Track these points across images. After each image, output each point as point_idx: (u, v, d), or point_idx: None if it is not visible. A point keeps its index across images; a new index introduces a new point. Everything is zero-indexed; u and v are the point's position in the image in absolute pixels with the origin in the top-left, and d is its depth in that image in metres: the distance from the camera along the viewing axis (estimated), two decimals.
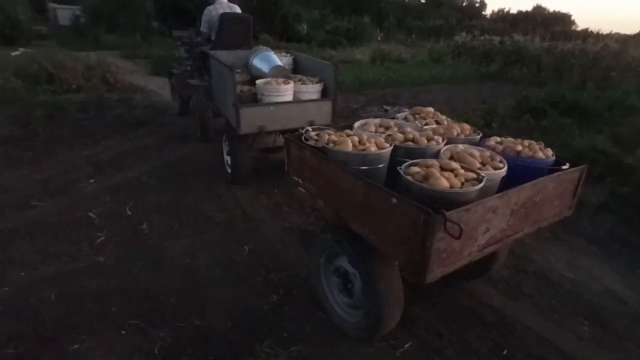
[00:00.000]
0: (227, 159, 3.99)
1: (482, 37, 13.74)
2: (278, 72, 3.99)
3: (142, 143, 5.02)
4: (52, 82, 7.56)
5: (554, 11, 32.69)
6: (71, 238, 2.92)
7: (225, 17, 4.83)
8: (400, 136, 2.13)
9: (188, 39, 5.81)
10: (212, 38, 5.04)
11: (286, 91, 3.53)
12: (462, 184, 1.66)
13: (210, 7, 5.04)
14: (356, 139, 2.04)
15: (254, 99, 3.60)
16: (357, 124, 2.39)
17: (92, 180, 3.86)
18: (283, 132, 3.86)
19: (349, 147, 1.95)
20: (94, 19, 19.54)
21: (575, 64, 10.41)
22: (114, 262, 2.67)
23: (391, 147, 1.98)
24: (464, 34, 14.76)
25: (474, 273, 2.47)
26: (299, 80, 3.82)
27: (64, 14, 24.08)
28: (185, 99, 6.01)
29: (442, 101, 8.48)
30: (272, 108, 3.42)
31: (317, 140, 2.13)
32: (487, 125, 6.07)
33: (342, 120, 4.69)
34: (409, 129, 2.28)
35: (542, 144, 2.15)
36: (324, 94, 3.81)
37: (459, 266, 1.63)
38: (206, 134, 5.04)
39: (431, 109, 2.75)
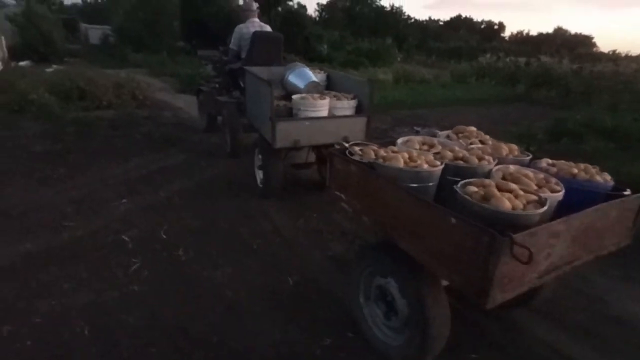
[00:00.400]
0: (259, 173, 3.99)
1: (507, 59, 13.53)
2: (313, 88, 3.97)
3: (172, 161, 4.88)
4: (83, 98, 7.61)
5: (575, 33, 32.36)
6: (104, 264, 2.73)
7: (257, 36, 4.87)
8: (449, 154, 2.05)
9: (217, 57, 5.89)
10: (242, 56, 5.06)
11: (322, 106, 3.50)
12: (524, 206, 1.56)
13: (242, 26, 5.08)
14: (406, 155, 1.96)
15: (290, 114, 3.57)
16: (400, 141, 2.32)
17: (124, 200, 3.70)
18: (315, 148, 3.92)
19: (401, 163, 1.88)
20: (122, 38, 20.08)
21: (606, 87, 10.07)
22: (150, 293, 2.46)
23: (442, 165, 1.90)
24: (488, 55, 14.56)
25: (518, 302, 2.15)
26: (334, 96, 3.76)
27: (95, 34, 24.93)
28: (213, 116, 6.02)
29: (471, 123, 8.15)
30: (307, 123, 3.41)
31: (361, 155, 2.06)
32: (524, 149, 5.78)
33: (373, 141, 4.50)
34: (457, 148, 2.17)
35: (598, 167, 1.99)
36: (358, 110, 3.75)
37: (518, 293, 1.53)
38: (236, 149, 4.99)
39: (474, 129, 2.60)
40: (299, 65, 4.31)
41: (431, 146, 2.26)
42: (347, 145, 2.34)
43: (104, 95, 7.58)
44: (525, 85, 12.26)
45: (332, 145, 3.60)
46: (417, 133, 7.36)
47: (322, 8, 39.50)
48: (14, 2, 23.36)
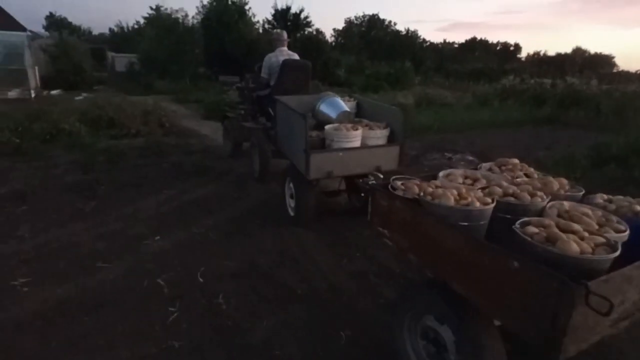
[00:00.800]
0: (290, 201, 3.94)
1: (532, 80, 13.21)
2: (345, 118, 3.93)
3: (203, 192, 4.71)
4: (112, 126, 7.63)
5: (596, 53, 31.76)
6: (141, 313, 2.50)
7: (286, 64, 4.97)
8: (498, 190, 1.92)
9: (241, 84, 6.08)
10: (272, 83, 5.16)
11: (355, 137, 3.45)
12: (593, 249, 1.43)
13: (271, 54, 5.19)
14: (455, 192, 1.86)
15: (322, 144, 3.51)
16: (441, 174, 2.24)
17: (157, 237, 3.51)
18: (348, 177, 3.85)
19: (451, 201, 1.78)
20: (147, 65, 20.63)
21: None
22: (191, 350, 2.20)
23: (494, 203, 1.78)
24: (511, 77, 14.28)
25: None
26: (366, 125, 3.70)
27: (121, 62, 25.75)
28: (239, 142, 6.10)
29: (502, 147, 7.88)
30: (340, 154, 3.36)
31: (405, 191, 1.98)
32: (565, 176, 5.43)
33: (405, 169, 4.28)
34: (504, 183, 2.05)
35: None
36: (390, 138, 3.67)
37: (590, 343, 1.39)
38: (265, 175, 4.97)
39: (516, 160, 2.49)
40: (329, 94, 4.29)
41: (475, 180, 2.17)
42: (380, 176, 2.42)
43: (132, 123, 7.58)
44: (552, 107, 11.87)
45: (364, 175, 3.53)
46: (449, 160, 7.08)
47: (338, 33, 40.34)
48: (47, 34, 24.41)
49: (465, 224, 1.72)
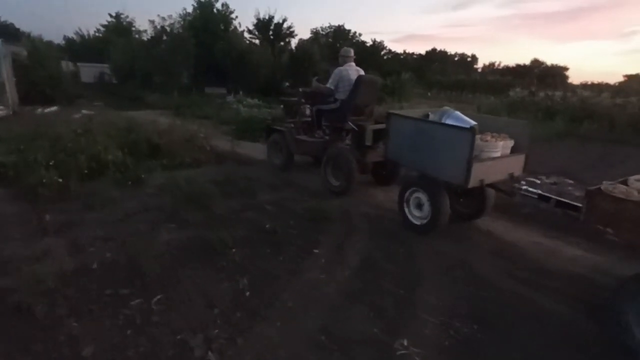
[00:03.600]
0: (415, 212, 4.04)
1: (541, 93, 13.20)
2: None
3: (360, 249, 3.57)
4: (157, 154, 6.15)
5: (552, 65, 33.68)
6: None
7: (362, 80, 5.09)
8: None
9: (290, 98, 6.35)
10: (340, 97, 5.25)
11: (500, 147, 3.64)
12: None
13: (342, 68, 5.30)
14: None
15: None
16: (632, 179, 2.57)
17: (405, 342, 2.36)
18: None
19: None
20: (122, 76, 18.47)
21: None
22: None
23: None
24: (518, 89, 14.24)
25: None
26: (492, 137, 3.76)
27: (88, 72, 23.08)
28: (291, 155, 5.95)
29: (575, 166, 7.50)
30: (489, 163, 3.55)
31: (626, 195, 2.31)
32: None
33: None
34: None
35: None
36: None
37: None
38: (351, 186, 5.00)
39: None
40: (448, 109, 4.27)
41: None
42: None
43: (186, 151, 6.16)
44: (564, 121, 11.85)
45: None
46: (555, 185, 6.41)
47: (303, 43, 39.39)
48: None
49: None
